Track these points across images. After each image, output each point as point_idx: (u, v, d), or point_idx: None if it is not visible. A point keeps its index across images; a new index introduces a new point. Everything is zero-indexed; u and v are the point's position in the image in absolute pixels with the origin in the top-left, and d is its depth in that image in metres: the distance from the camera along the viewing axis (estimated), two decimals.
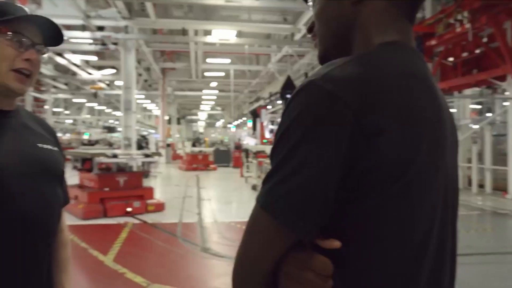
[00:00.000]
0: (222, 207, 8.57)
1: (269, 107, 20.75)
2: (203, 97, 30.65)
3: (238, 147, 21.10)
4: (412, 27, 0.72)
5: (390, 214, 0.59)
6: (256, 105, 23.12)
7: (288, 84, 13.50)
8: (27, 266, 1.00)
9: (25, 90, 1.06)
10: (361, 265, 0.60)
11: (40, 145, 1.09)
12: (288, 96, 9.43)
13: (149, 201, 7.63)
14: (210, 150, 20.44)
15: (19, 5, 1.06)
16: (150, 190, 7.97)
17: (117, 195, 7.33)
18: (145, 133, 36.98)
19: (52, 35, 1.08)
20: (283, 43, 14.40)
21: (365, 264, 0.60)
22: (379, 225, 0.59)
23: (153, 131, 39.81)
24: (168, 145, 23.25)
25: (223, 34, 12.63)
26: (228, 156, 20.82)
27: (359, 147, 0.57)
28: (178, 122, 34.70)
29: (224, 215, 7.61)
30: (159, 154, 8.89)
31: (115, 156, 7.57)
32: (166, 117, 24.62)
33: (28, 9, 10.98)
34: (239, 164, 16.74)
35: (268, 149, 11.67)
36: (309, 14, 10.81)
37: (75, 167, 8.27)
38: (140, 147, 19.30)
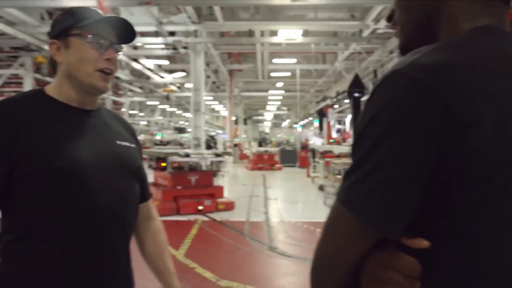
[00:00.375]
0: (288, 206, 8.56)
1: (336, 106, 20.33)
2: (269, 97, 30.86)
3: (304, 147, 20.93)
4: (507, 10, 0.65)
5: (489, 213, 0.53)
6: (322, 104, 22.76)
7: (356, 83, 13.08)
8: (105, 259, 1.05)
9: (109, 88, 1.13)
10: (454, 268, 0.55)
11: (118, 142, 1.14)
12: (356, 94, 9.13)
13: (220, 200, 7.84)
14: (275, 150, 20.53)
15: (93, 8, 1.13)
16: (220, 189, 8.17)
17: (189, 194, 7.59)
18: (213, 133, 38.15)
19: (126, 33, 1.14)
20: (351, 40, 14.01)
21: (459, 268, 0.54)
22: (475, 225, 0.53)
23: (220, 131, 40.91)
24: (235, 145, 23.73)
25: (289, 34, 12.60)
26: (294, 156, 20.75)
27: (450, 139, 0.52)
28: (245, 123, 35.30)
29: (291, 214, 7.59)
30: (229, 154, 9.02)
31: (187, 155, 7.80)
32: (233, 118, 25.15)
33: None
34: (305, 164, 16.59)
35: (335, 149, 11.44)
36: (378, 9, 10.42)
37: (150, 166, 8.67)
38: (208, 147, 19.90)
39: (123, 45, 1.15)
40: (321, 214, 7.62)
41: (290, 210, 8.20)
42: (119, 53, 1.14)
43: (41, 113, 1.04)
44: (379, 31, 12.11)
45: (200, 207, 7.38)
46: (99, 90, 1.09)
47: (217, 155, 8.46)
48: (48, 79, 14.62)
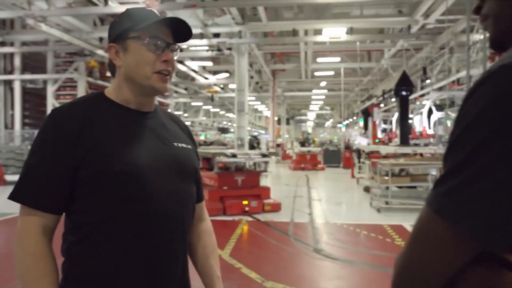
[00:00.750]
0: (332, 208, 8.42)
1: (382, 105, 19.78)
2: (312, 97, 30.57)
3: (349, 147, 20.54)
4: None
5: None
6: (368, 103, 22.24)
7: (404, 80, 12.65)
8: (164, 262, 1.05)
9: (168, 89, 1.13)
10: None
11: (175, 143, 1.15)
12: (404, 93, 8.78)
13: (266, 201, 7.72)
14: (317, 150, 20.29)
15: (149, 9, 1.13)
16: (267, 190, 8.06)
17: (235, 194, 7.54)
18: (255, 133, 38.33)
19: (182, 32, 1.13)
20: (398, 37, 13.57)
21: None
22: None
23: (263, 131, 41.05)
24: (278, 145, 23.71)
25: (333, 32, 12.41)
26: (337, 156, 20.41)
27: None
28: (288, 123, 35.21)
29: (335, 216, 7.45)
30: (275, 154, 8.92)
31: (234, 156, 7.69)
32: (276, 118, 25.14)
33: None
34: (350, 164, 16.27)
35: (382, 149, 11.11)
36: (428, 3, 10.01)
37: None
38: (252, 147, 20.02)
39: (180, 44, 1.15)
40: (367, 216, 7.44)
41: (334, 211, 8.06)
42: (176, 52, 1.14)
43: (101, 116, 1.06)
44: (429, 26, 11.63)
45: (247, 208, 7.31)
46: (158, 91, 1.10)
47: (264, 155, 8.26)
48: (99, 82, 15.32)
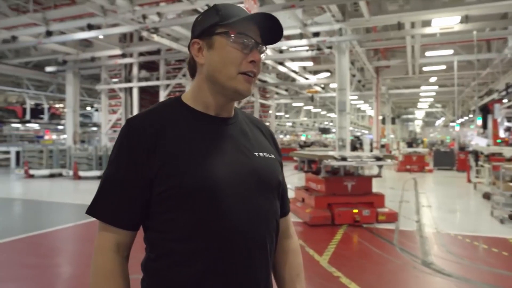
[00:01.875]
0: (445, 215, 7.62)
1: (504, 100, 17.50)
2: (421, 94, 28.42)
3: (463, 148, 18.59)
4: None
5: None
6: (487, 99, 19.90)
7: None
8: (245, 282, 0.95)
9: (251, 92, 1.03)
10: None
11: (257, 153, 1.04)
12: None
13: (380, 210, 6.81)
14: (425, 151, 18.72)
15: (238, 5, 1.03)
16: (380, 197, 7.07)
17: (345, 201, 6.78)
18: (358, 134, 37.06)
19: (272, 32, 1.02)
20: None
21: None
22: None
23: (366, 131, 39.52)
24: (382, 146, 22.55)
25: (445, 22, 11.30)
26: (450, 158, 18.58)
27: None
28: (393, 122, 33.37)
29: (448, 225, 6.72)
30: (391, 158, 7.42)
31: (343, 159, 6.70)
32: (380, 117, 23.93)
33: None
34: (465, 167, 14.73)
35: (506, 151, 9.77)
36: None
37: (301, 169, 8.24)
38: (354, 148, 19.37)
39: (268, 46, 1.04)
40: (487, 227, 6.57)
41: (447, 219, 7.27)
42: (264, 54, 1.03)
43: (177, 125, 0.98)
44: None
45: (357, 217, 6.52)
46: (241, 94, 0.99)
47: (378, 158, 7.01)
48: None
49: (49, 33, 11.26)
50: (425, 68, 19.79)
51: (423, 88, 25.49)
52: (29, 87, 21.80)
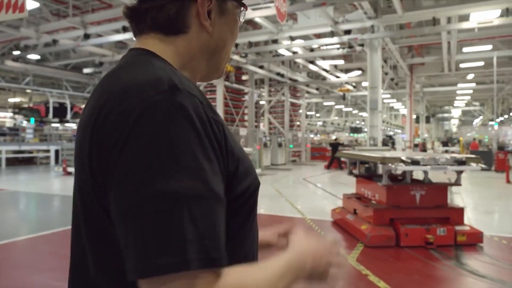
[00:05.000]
0: (480, 217, 7.37)
1: None
2: (457, 91, 27.51)
3: (503, 147, 17.84)
4: None
5: None
6: None
7: None
8: None
9: None
10: None
11: None
12: None
13: (459, 228, 5.30)
14: (457, 149, 18.09)
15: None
16: (459, 212, 5.52)
17: (412, 216, 5.32)
18: (391, 133, 36.26)
19: None
20: None
21: None
22: None
23: (399, 131, 38.62)
24: (416, 146, 21.98)
25: (483, 16, 10.89)
26: (488, 158, 17.88)
27: None
28: (427, 121, 32.43)
29: (484, 226, 6.47)
30: (478, 161, 5.32)
31: (415, 162, 4.99)
32: (414, 116, 23.34)
33: (287, 24, 12.11)
34: (504, 167, 14.16)
35: None
36: None
37: (350, 173, 6.88)
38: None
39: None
40: None
41: (483, 221, 7.02)
42: None
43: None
44: None
45: (431, 238, 5.04)
46: (218, 78, 0.85)
47: (460, 162, 5.21)
48: (235, 85, 16.38)
49: (86, 36, 11.72)
50: (462, 65, 19.14)
51: (459, 85, 24.68)
52: (68, 88, 22.71)
